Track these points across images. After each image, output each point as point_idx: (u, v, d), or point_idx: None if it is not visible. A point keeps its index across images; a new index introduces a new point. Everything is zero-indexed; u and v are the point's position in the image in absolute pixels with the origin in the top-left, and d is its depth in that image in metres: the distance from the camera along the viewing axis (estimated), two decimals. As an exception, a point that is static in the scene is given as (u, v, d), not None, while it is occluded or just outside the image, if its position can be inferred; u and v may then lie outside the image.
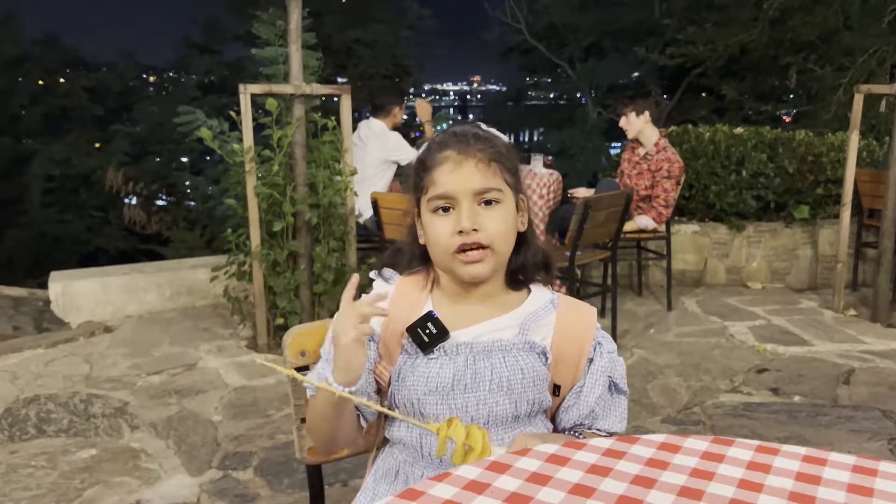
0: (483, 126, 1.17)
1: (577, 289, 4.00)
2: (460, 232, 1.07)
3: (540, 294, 1.19)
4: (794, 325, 4.02)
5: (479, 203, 1.09)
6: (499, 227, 1.09)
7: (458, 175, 1.09)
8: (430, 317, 1.11)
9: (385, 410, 1.06)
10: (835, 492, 0.77)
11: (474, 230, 1.07)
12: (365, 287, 3.59)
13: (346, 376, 1.04)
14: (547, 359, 1.13)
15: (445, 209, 1.09)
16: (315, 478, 1.35)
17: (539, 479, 0.80)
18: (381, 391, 1.17)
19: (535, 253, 1.17)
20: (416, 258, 1.19)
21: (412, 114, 4.59)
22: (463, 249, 1.08)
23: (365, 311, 1.02)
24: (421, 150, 1.17)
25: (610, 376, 1.16)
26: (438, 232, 1.10)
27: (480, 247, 1.08)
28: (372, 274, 1.23)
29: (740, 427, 2.75)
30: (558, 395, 1.16)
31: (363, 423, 1.16)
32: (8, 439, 2.66)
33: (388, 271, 1.21)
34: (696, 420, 2.84)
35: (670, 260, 4.39)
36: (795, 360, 3.49)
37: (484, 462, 0.84)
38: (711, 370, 3.35)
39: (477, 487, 0.78)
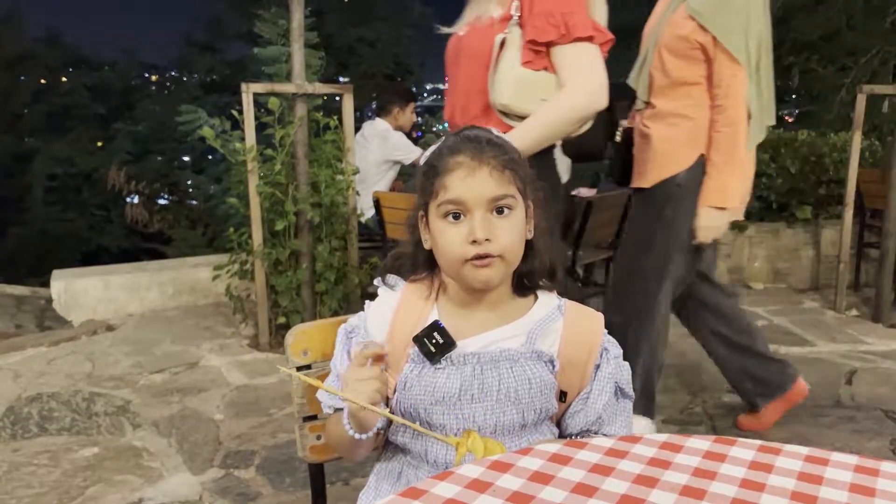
0: (494, 131, 1.15)
1: (578, 289, 3.99)
2: (473, 242, 1.05)
3: (547, 300, 1.17)
4: (796, 325, 4.01)
5: (491, 211, 1.07)
6: (511, 236, 1.08)
7: (472, 182, 1.06)
8: (436, 326, 1.09)
9: (412, 425, 1.06)
10: (837, 491, 0.77)
11: (487, 240, 1.05)
12: (367, 287, 3.57)
13: (360, 428, 1.05)
14: (554, 367, 1.12)
15: (456, 216, 1.07)
16: (317, 476, 1.35)
17: (541, 478, 0.80)
18: (387, 398, 1.16)
19: (542, 260, 1.16)
20: (420, 263, 1.17)
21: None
22: (475, 257, 1.07)
23: (374, 388, 1.02)
24: (429, 153, 1.15)
25: (616, 382, 1.15)
26: (449, 240, 1.08)
27: (491, 256, 1.07)
28: (376, 281, 1.21)
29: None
30: (564, 402, 1.15)
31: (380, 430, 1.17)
32: (10, 437, 2.66)
33: (392, 278, 1.19)
34: (697, 420, 2.84)
35: (672, 260, 4.39)
36: (797, 360, 3.48)
37: (485, 461, 0.84)
38: (712, 370, 3.33)
39: (479, 486, 0.78)
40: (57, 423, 2.77)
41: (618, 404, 1.15)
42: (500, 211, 1.07)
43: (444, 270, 1.14)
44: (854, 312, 4.23)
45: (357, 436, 1.05)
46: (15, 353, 3.50)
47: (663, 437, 0.90)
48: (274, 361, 3.43)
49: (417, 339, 1.09)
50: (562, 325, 1.14)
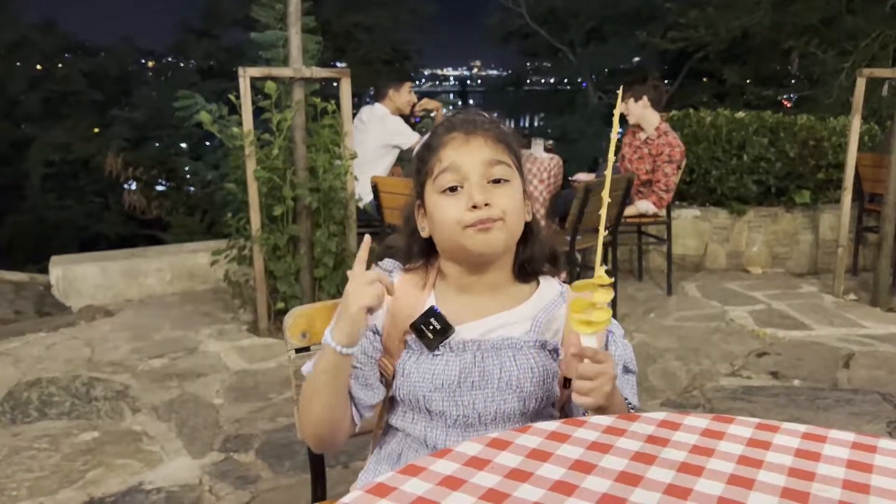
0: (486, 114, 1.16)
1: (577, 273, 4.00)
2: (473, 207, 1.04)
3: (549, 286, 1.17)
4: (794, 309, 4.02)
5: (488, 181, 1.07)
6: (509, 202, 1.07)
7: (467, 150, 1.07)
8: (432, 312, 1.08)
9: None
10: (834, 468, 0.77)
11: (486, 205, 1.05)
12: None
13: (347, 339, 1.01)
14: (558, 354, 1.12)
15: (453, 188, 1.07)
16: (316, 459, 1.35)
17: (539, 455, 0.80)
18: (387, 384, 1.16)
19: (542, 245, 1.16)
20: (415, 253, 1.16)
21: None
22: (475, 223, 1.05)
23: (378, 291, 1.00)
24: (425, 137, 1.15)
25: (624, 363, 1.14)
26: (447, 211, 1.06)
27: (492, 220, 1.06)
28: (372, 266, 1.21)
29: (739, 410, 2.76)
30: (568, 388, 1.14)
31: (357, 420, 1.13)
32: (10, 422, 2.67)
33: (388, 262, 1.19)
34: (695, 403, 2.86)
35: (671, 244, 4.39)
36: (795, 344, 3.49)
37: (484, 439, 0.84)
38: (711, 354, 3.36)
39: (478, 463, 0.78)
40: (56, 407, 2.78)
41: (623, 378, 1.14)
42: (496, 182, 1.07)
43: (443, 248, 1.13)
44: (852, 296, 4.23)
45: (341, 349, 1.01)
46: (14, 339, 3.50)
47: (661, 415, 0.90)
48: (273, 346, 3.43)
49: (414, 327, 1.09)
50: (565, 311, 1.13)
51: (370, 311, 1.01)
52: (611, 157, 0.95)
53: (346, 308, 1.01)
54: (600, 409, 0.99)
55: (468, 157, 1.07)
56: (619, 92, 1.03)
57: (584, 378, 0.96)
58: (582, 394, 0.97)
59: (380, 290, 1.00)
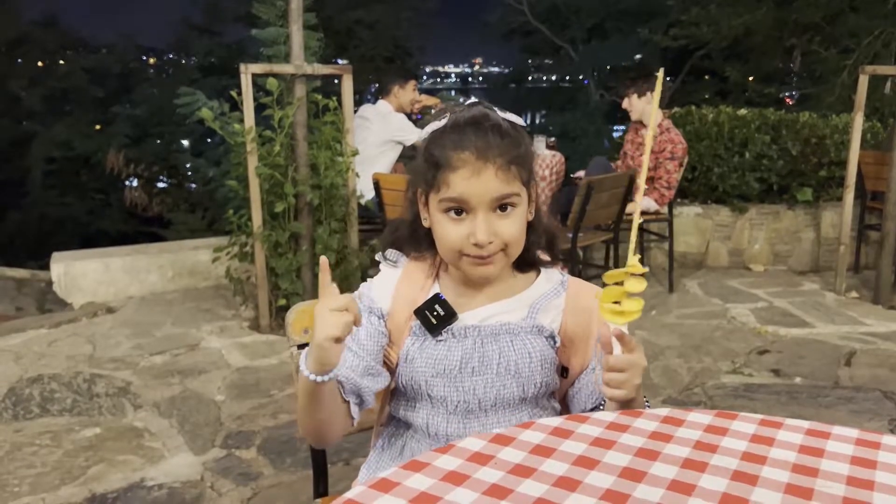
0: (498, 111, 1.09)
1: (578, 270, 4.00)
2: (475, 244, 1.04)
3: (549, 276, 1.17)
4: (796, 307, 4.02)
5: (494, 209, 1.05)
6: (513, 231, 1.06)
7: (477, 183, 1.03)
8: (437, 299, 1.11)
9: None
10: (838, 464, 0.77)
11: (490, 242, 1.04)
12: (367, 269, 3.53)
13: (319, 367, 0.96)
14: (555, 342, 1.12)
15: (458, 211, 1.05)
16: (318, 456, 1.35)
17: (543, 451, 0.80)
18: (391, 371, 1.16)
19: (539, 236, 1.16)
20: (420, 238, 1.16)
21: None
22: (476, 257, 1.05)
23: (345, 320, 0.92)
24: (430, 134, 1.10)
25: None
26: (449, 235, 1.06)
27: (492, 255, 1.06)
28: (378, 256, 1.21)
29: (741, 408, 2.76)
30: (566, 378, 1.15)
31: (355, 414, 1.10)
32: (12, 418, 2.67)
33: (393, 254, 1.19)
34: (696, 401, 2.85)
35: (672, 242, 4.39)
36: (797, 341, 3.49)
37: (487, 435, 0.84)
38: (712, 352, 3.36)
39: (481, 459, 0.78)
40: (58, 404, 2.78)
41: None
42: (502, 208, 1.05)
43: (442, 257, 1.13)
44: (854, 294, 4.23)
45: (314, 377, 0.96)
46: (16, 336, 3.50)
47: (665, 411, 0.90)
48: (274, 343, 3.43)
49: (419, 312, 1.11)
50: (564, 300, 1.14)
51: (338, 340, 0.93)
52: (648, 141, 0.94)
53: (314, 340, 0.94)
54: (626, 403, 0.97)
55: (476, 192, 1.03)
56: (658, 77, 0.98)
57: (616, 370, 0.94)
58: (613, 386, 0.94)
59: (347, 319, 0.92)
